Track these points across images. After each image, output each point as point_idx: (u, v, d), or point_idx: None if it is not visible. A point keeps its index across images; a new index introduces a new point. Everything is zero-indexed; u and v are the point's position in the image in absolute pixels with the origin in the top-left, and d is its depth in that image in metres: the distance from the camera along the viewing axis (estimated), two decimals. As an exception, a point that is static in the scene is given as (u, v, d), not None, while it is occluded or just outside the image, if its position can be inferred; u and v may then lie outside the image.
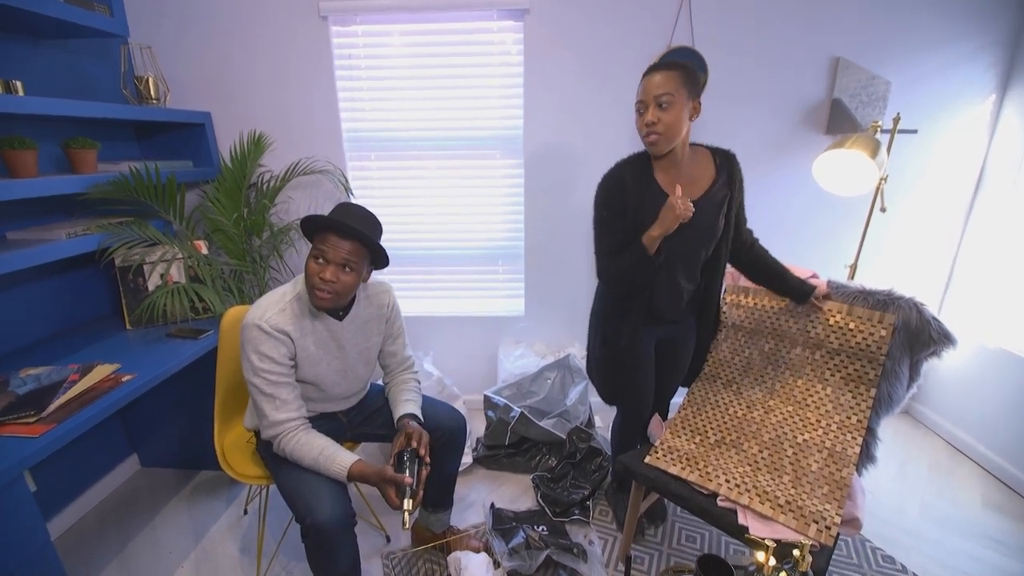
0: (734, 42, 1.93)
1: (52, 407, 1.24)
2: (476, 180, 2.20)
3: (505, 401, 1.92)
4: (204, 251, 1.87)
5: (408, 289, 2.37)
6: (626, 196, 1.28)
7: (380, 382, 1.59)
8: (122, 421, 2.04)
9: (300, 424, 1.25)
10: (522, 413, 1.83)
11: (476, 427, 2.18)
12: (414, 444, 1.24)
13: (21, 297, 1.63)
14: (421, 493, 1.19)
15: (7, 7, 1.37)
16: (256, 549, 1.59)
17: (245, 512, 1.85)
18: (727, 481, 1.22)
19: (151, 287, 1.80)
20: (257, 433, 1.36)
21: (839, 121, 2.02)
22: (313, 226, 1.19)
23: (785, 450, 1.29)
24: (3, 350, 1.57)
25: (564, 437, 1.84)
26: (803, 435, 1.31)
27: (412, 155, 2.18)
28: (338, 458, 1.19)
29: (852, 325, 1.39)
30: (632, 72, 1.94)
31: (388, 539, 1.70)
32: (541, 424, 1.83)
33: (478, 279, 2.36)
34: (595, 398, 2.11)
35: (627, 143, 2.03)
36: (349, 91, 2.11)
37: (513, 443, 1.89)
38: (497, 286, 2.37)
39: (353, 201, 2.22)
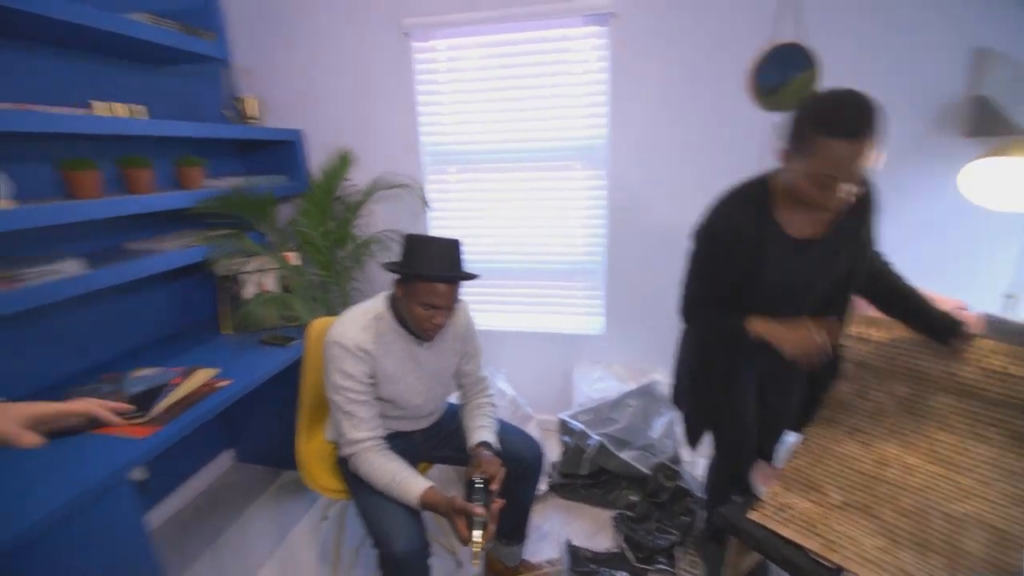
0: (849, 33, 1.69)
1: (157, 410, 1.31)
2: (555, 192, 2.12)
3: (582, 427, 1.81)
4: (294, 262, 1.94)
5: (482, 303, 2.33)
6: (738, 248, 1.09)
7: (455, 401, 1.55)
8: (221, 417, 2.17)
9: (375, 444, 1.23)
10: (601, 443, 1.71)
11: (549, 450, 2.08)
12: (487, 476, 1.17)
13: (135, 302, 1.78)
14: (493, 528, 1.12)
15: (135, 40, 1.50)
16: (332, 559, 1.60)
17: (325, 518, 1.89)
18: (859, 555, 1.02)
19: (246, 295, 1.90)
20: (337, 445, 1.37)
21: (986, 122, 1.69)
22: (417, 278, 1.18)
23: (933, 522, 1.06)
24: (118, 351, 1.71)
25: (647, 472, 1.69)
26: (957, 505, 1.08)
27: (490, 168, 2.14)
28: (410, 485, 1.16)
29: (1018, 371, 1.13)
30: (728, 72, 1.77)
31: (459, 564, 1.65)
32: (621, 456, 1.70)
33: (554, 294, 2.27)
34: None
35: (723, 152, 1.85)
36: (429, 105, 2.12)
37: (591, 473, 1.78)
38: (574, 302, 2.26)
39: (430, 214, 2.22)
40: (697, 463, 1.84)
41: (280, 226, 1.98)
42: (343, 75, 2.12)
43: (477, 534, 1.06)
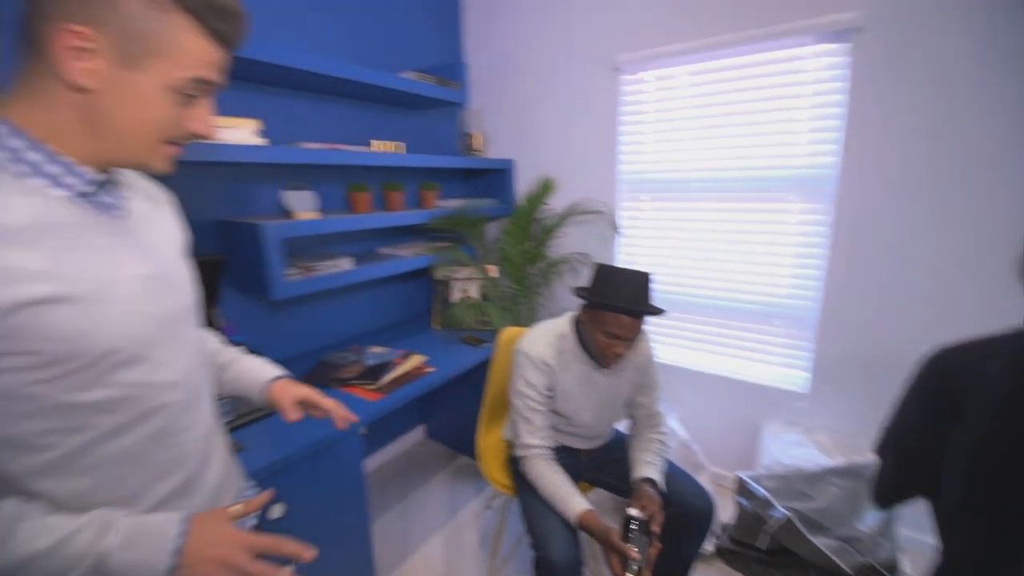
0: None
1: (384, 380, 1.64)
2: (761, 225, 1.93)
3: (765, 494, 1.58)
4: (494, 274, 2.21)
5: (665, 335, 2.25)
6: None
7: (623, 431, 1.54)
8: (421, 396, 2.58)
9: (545, 453, 1.31)
10: (788, 519, 1.47)
11: (721, 509, 1.88)
12: (646, 515, 1.14)
13: (376, 295, 2.26)
14: (648, 574, 1.08)
15: (404, 92, 1.93)
16: (492, 546, 1.75)
17: (489, 507, 2.08)
18: None
19: (453, 299, 2.23)
20: (511, 445, 1.50)
21: None
22: (602, 307, 1.23)
23: None
24: (361, 331, 2.19)
25: (848, 571, 1.39)
26: None
27: (688, 196, 2.07)
28: (571, 502, 1.20)
29: None
30: (1004, 95, 1.36)
31: (606, 595, 1.62)
32: (814, 541, 1.43)
33: (749, 337, 2.05)
34: (909, 531, 1.55)
35: (991, 198, 1.44)
36: (631, 135, 2.16)
37: (769, 550, 1.54)
38: (772, 350, 2.01)
39: (619, 240, 2.25)
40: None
41: (487, 242, 2.28)
42: (553, 110, 2.33)
43: None
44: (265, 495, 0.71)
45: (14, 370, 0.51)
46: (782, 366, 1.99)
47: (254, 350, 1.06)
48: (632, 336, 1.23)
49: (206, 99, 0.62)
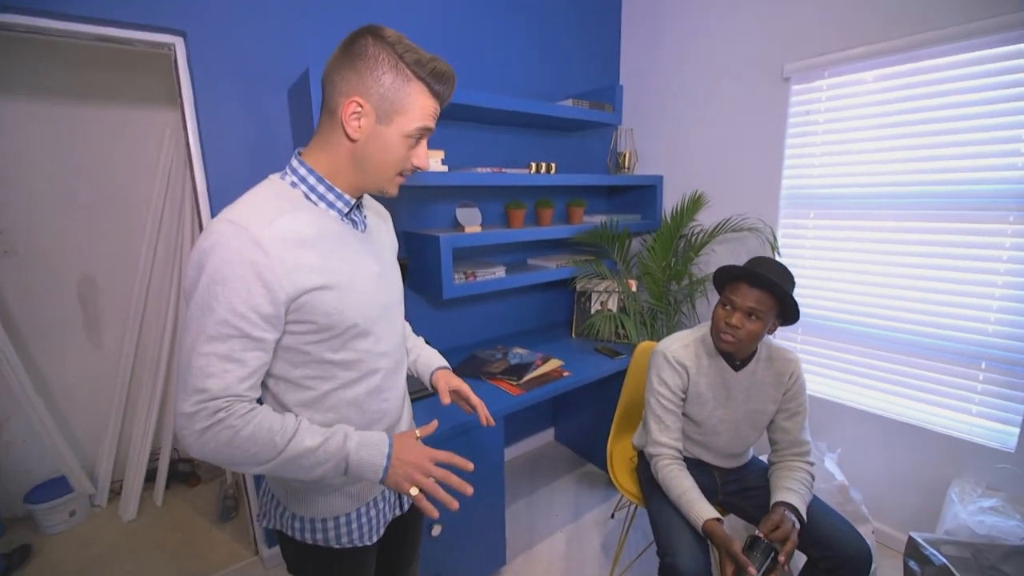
0: None
1: (525, 379, 1.82)
2: (961, 248, 1.65)
3: (945, 561, 1.35)
4: (634, 289, 2.26)
5: (826, 366, 2.04)
6: None
7: (766, 460, 1.47)
8: (554, 400, 2.74)
9: (676, 455, 1.34)
10: (975, 594, 1.24)
11: (885, 570, 1.65)
12: (776, 537, 1.09)
13: (522, 301, 2.48)
14: None
15: (562, 118, 2.11)
16: (614, 553, 1.80)
17: (612, 516, 2.12)
18: None
19: (592, 310, 2.34)
20: (640, 453, 1.55)
21: None
22: (725, 276, 1.27)
23: None
24: (507, 332, 2.43)
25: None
26: None
27: (863, 214, 1.86)
28: (698, 506, 1.22)
29: None
30: None
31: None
32: (1012, 630, 1.18)
33: (938, 379, 1.75)
34: None
35: None
36: (798, 147, 2.02)
37: (947, 627, 1.31)
38: (970, 396, 1.69)
39: (778, 259, 2.11)
40: None
41: (629, 257, 2.34)
42: (708, 125, 2.29)
43: None
44: (434, 423, 0.92)
45: (298, 333, 0.78)
46: (983, 417, 1.66)
47: (426, 342, 1.31)
48: (747, 306, 1.20)
49: (424, 141, 0.85)
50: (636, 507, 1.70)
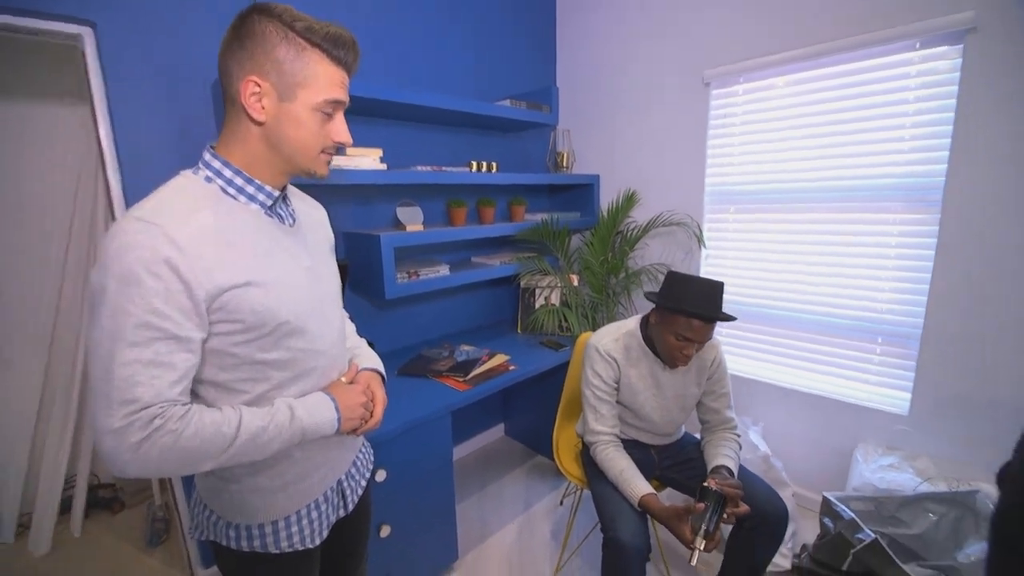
0: None
1: (472, 374, 1.85)
2: (858, 237, 1.85)
3: (853, 515, 1.51)
4: (575, 283, 2.34)
5: (748, 348, 2.21)
6: None
7: (697, 436, 1.58)
8: (502, 394, 2.77)
9: (612, 440, 1.41)
10: (876, 541, 1.40)
11: (804, 529, 1.81)
12: (725, 486, 1.18)
13: (467, 299, 2.50)
14: (718, 535, 1.14)
15: (500, 118, 2.15)
16: (563, 538, 1.86)
17: (560, 503, 2.18)
18: None
19: (536, 305, 2.40)
20: (583, 440, 1.61)
21: None
22: (676, 309, 1.30)
23: None
24: (453, 330, 2.45)
25: (944, 604, 1.29)
26: None
27: (776, 208, 2.04)
28: (634, 484, 1.29)
29: None
30: None
31: (674, 598, 1.65)
32: (905, 568, 1.34)
33: (841, 354, 1.95)
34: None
35: None
36: (719, 148, 2.18)
37: (853, 573, 1.47)
38: (869, 368, 1.89)
39: (703, 252, 2.27)
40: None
41: (570, 253, 2.42)
42: (639, 126, 2.42)
43: (700, 542, 1.10)
44: (355, 365, 0.99)
45: (224, 334, 0.75)
46: (880, 386, 1.87)
47: (368, 344, 1.29)
48: (703, 340, 1.30)
49: (340, 114, 0.82)
50: (582, 491, 1.77)
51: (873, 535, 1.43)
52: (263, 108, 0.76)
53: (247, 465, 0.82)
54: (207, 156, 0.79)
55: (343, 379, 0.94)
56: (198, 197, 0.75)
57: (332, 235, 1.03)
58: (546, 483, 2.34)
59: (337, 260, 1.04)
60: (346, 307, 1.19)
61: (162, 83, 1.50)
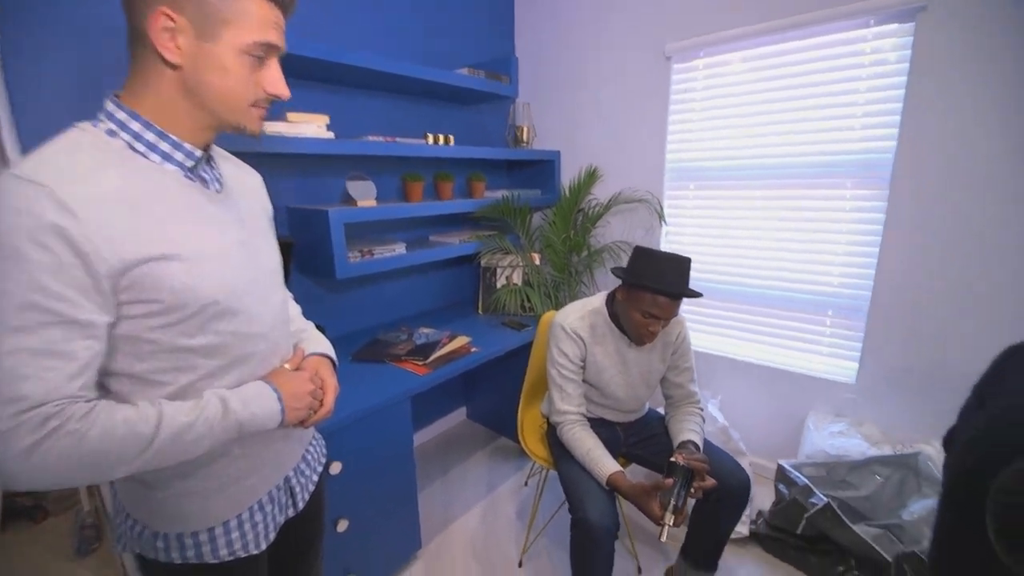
0: None
1: (432, 358, 1.77)
2: (811, 212, 1.89)
3: (806, 481, 1.58)
4: (537, 262, 2.28)
5: (706, 323, 2.25)
6: None
7: (661, 411, 1.59)
8: (464, 377, 2.71)
9: (579, 419, 1.39)
10: (828, 504, 1.46)
11: (760, 496, 1.88)
12: (692, 459, 1.17)
13: (426, 279, 2.40)
14: (686, 509, 1.14)
15: (458, 88, 2.04)
16: (528, 519, 1.84)
17: (525, 484, 2.17)
18: None
19: (498, 285, 2.33)
20: (548, 420, 1.58)
21: None
22: (643, 290, 1.27)
23: None
24: (412, 312, 2.34)
25: (888, 559, 1.37)
26: None
27: (736, 184, 2.06)
28: (602, 463, 1.28)
29: None
30: None
31: (640, 570, 1.67)
32: (854, 528, 1.42)
33: (795, 327, 2.01)
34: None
35: None
36: (679, 123, 2.17)
37: (807, 536, 1.54)
38: (820, 339, 1.96)
39: (664, 229, 2.27)
40: None
41: (531, 231, 2.36)
42: (600, 102, 2.37)
43: (669, 517, 1.10)
44: (300, 350, 0.90)
45: (138, 317, 0.63)
46: (830, 356, 1.95)
47: (318, 328, 1.19)
48: (669, 316, 1.28)
49: (274, 62, 0.71)
50: (548, 471, 1.75)
51: (825, 499, 1.49)
52: (178, 48, 0.63)
53: (174, 467, 0.70)
54: (110, 106, 0.66)
55: (286, 366, 0.84)
56: (97, 152, 0.62)
57: (270, 205, 0.91)
58: (510, 465, 2.32)
59: (281, 238, 0.92)
60: (292, 290, 1.07)
61: (64, 26, 1.29)
